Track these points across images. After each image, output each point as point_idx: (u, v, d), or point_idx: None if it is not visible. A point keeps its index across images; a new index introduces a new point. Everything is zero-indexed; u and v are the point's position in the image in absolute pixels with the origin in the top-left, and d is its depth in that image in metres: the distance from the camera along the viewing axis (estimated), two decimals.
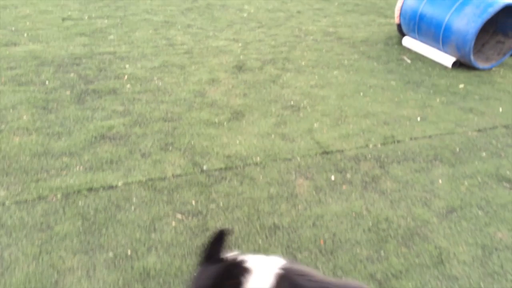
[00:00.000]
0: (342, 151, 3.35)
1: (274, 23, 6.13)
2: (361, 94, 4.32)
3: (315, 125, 3.73)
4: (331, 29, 6.04)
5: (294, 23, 6.18)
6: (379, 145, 3.44)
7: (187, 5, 6.56)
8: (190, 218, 2.64)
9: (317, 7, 6.97)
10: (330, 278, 1.97)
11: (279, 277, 1.66)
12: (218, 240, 1.74)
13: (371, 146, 3.43)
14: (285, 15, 6.50)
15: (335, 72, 4.76)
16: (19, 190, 2.79)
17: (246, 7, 6.74)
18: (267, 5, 6.88)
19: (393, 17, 6.59)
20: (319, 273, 1.95)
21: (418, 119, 3.84)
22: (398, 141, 3.49)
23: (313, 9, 6.90)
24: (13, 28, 5.17)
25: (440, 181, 3.00)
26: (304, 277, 1.70)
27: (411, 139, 3.52)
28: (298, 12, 6.69)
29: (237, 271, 1.68)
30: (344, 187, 2.94)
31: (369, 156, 3.29)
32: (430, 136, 3.56)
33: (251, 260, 1.71)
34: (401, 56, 5.25)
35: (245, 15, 6.40)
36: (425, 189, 2.93)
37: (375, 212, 2.70)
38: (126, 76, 4.31)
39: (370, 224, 2.60)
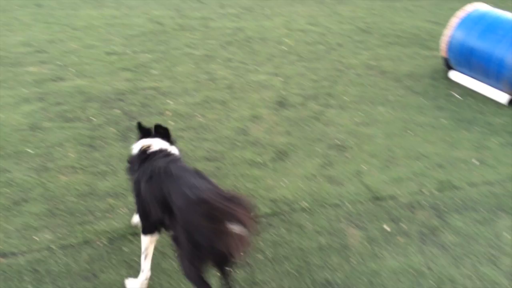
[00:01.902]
0: (395, 197, 3.18)
1: (314, 56, 6.06)
2: (410, 132, 4.14)
3: (363, 167, 3.58)
4: (373, 63, 5.91)
5: (334, 56, 6.09)
6: (434, 191, 3.25)
7: (226, 39, 6.60)
8: (236, 269, 2.51)
9: (358, 39, 6.87)
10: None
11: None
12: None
13: (426, 192, 3.24)
14: (325, 48, 6.42)
15: (381, 109, 4.61)
16: (65, 233, 2.75)
17: (285, 40, 6.72)
18: (307, 38, 6.84)
19: (437, 49, 6.41)
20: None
21: (475, 162, 3.63)
22: (456, 187, 3.29)
23: (354, 41, 6.80)
24: (60, 63, 5.29)
25: (506, 235, 2.78)
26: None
27: (469, 185, 3.31)
28: (338, 44, 6.61)
29: None
30: (399, 239, 2.76)
31: (425, 203, 3.11)
32: (490, 182, 3.35)
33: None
34: (450, 91, 5.05)
35: (284, 48, 6.37)
36: (490, 244, 2.71)
37: (437, 269, 2.50)
38: (169, 112, 4.30)
39: (433, 284, 2.40)
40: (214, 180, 2.07)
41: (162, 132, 2.65)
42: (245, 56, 5.97)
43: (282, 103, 4.64)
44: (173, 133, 3.89)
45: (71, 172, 3.30)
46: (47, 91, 4.54)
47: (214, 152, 3.69)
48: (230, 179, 3.34)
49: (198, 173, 2.20)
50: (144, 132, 2.66)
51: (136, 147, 2.58)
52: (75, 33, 6.41)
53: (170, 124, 4.07)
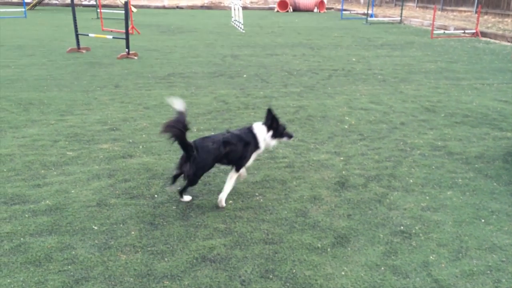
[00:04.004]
0: None
1: (376, 136, 5.99)
2: (482, 221, 3.86)
3: (431, 257, 3.34)
4: (439, 143, 5.72)
5: (398, 136, 5.98)
6: None
7: (288, 117, 6.73)
8: None
9: (422, 119, 6.74)
10: None
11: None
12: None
13: None
14: (388, 127, 6.34)
15: (449, 193, 4.37)
16: None
17: (347, 118, 6.74)
18: (369, 117, 6.82)
19: (509, 130, 6.12)
20: None
21: None
22: None
23: (418, 120, 6.67)
24: (130, 140, 5.62)
25: None
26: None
27: None
28: (402, 123, 6.51)
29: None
30: None
31: None
32: None
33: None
34: None
35: (346, 126, 6.37)
36: None
37: None
38: None
39: None
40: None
41: (269, 118, 4.14)
42: (306, 134, 6.02)
43: (343, 184, 4.56)
44: (232, 213, 3.95)
45: (131, 251, 3.36)
46: (116, 168, 4.80)
47: (272, 235, 3.63)
48: (287, 265, 3.23)
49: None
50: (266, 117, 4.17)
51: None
52: (146, 112, 6.86)
53: (229, 203, 4.10)
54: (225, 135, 3.98)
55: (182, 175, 3.91)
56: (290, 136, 4.37)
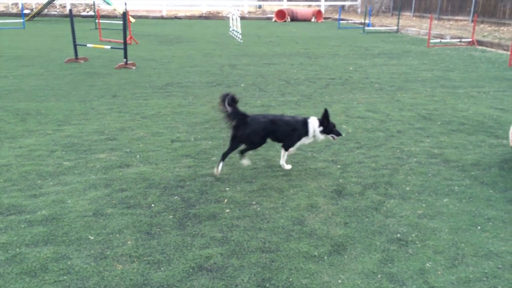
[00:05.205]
0: None
1: (373, 144, 6.01)
2: (479, 228, 3.86)
3: (428, 264, 3.34)
4: (436, 151, 5.74)
5: (394, 144, 6.00)
6: None
7: None
8: None
9: (419, 127, 6.77)
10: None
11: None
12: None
13: None
14: (384, 135, 6.36)
15: (445, 200, 4.38)
16: None
17: (344, 126, 6.76)
18: (366, 125, 6.84)
19: (505, 138, 6.14)
20: None
21: None
22: None
23: (414, 128, 6.70)
24: (127, 150, 5.63)
25: None
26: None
27: None
28: (398, 131, 6.53)
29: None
30: None
31: None
32: None
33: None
34: None
35: (343, 135, 6.37)
36: None
37: None
38: (226, 200, 4.35)
39: None
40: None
41: (323, 115, 4.89)
42: None
43: (339, 192, 4.56)
44: (229, 222, 3.95)
45: (127, 261, 3.35)
46: (113, 178, 4.80)
47: (269, 243, 3.63)
48: (284, 274, 3.23)
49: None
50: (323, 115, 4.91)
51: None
52: (144, 121, 6.87)
53: (226, 212, 4.10)
54: (276, 116, 4.91)
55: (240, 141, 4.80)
56: (337, 135, 5.01)
